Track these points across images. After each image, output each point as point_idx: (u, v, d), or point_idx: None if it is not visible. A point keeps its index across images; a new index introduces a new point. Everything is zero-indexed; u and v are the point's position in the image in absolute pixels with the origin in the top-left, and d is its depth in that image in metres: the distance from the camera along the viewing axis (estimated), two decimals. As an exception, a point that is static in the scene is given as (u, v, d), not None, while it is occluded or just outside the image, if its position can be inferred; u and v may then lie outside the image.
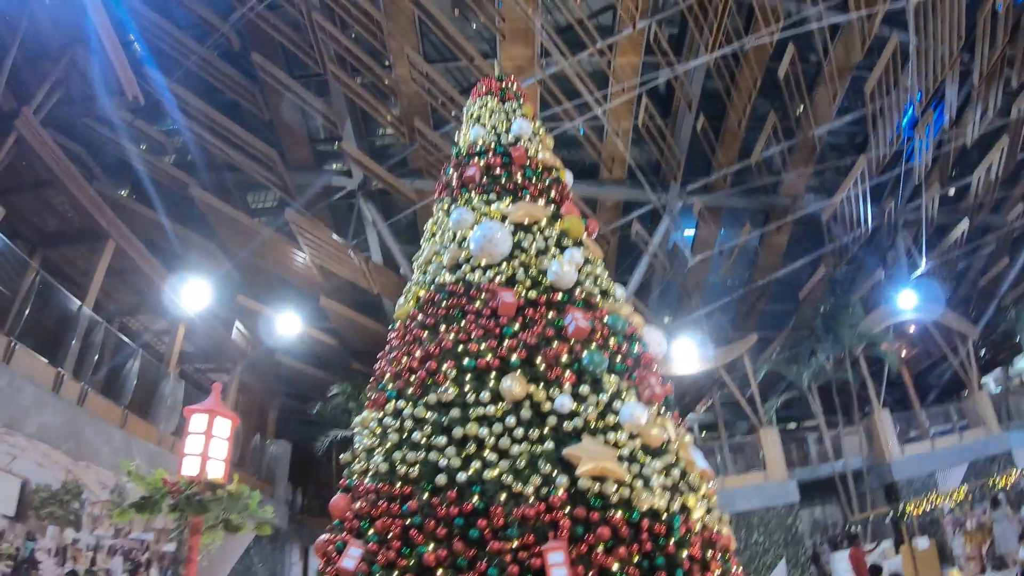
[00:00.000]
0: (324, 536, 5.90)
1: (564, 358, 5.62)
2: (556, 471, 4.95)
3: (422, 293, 6.39)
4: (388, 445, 5.34)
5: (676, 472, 5.58)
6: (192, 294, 11.88)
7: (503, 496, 4.78)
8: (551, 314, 5.93)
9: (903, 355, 20.65)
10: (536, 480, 4.87)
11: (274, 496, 16.43)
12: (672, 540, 5.01)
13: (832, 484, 18.17)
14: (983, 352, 22.56)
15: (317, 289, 17.34)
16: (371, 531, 4.91)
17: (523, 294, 5.99)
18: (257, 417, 17.27)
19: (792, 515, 16.83)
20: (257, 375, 16.71)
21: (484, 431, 5.09)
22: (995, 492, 14.20)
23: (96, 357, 10.54)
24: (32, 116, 9.56)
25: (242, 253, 15.32)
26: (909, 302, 19.26)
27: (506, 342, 5.63)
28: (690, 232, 21.77)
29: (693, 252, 20.10)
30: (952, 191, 21.86)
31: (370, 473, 5.34)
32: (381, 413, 5.68)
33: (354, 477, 5.57)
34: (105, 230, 10.91)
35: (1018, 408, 20.65)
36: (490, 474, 4.87)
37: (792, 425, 20.55)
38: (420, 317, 6.12)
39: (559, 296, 6.09)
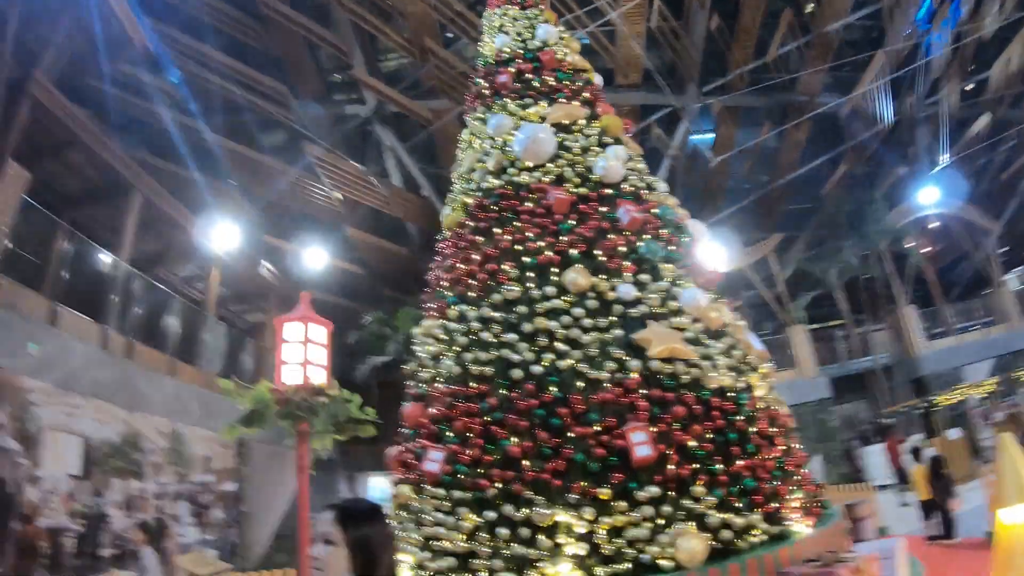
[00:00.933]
0: (396, 447, 6.10)
1: (621, 249, 5.64)
2: (628, 356, 5.04)
3: (469, 200, 6.35)
4: (457, 348, 5.43)
5: (737, 353, 5.68)
6: (222, 237, 11.91)
7: (580, 384, 4.88)
8: (603, 208, 5.91)
9: (926, 252, 20.52)
10: (610, 366, 4.96)
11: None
12: (741, 416, 5.14)
13: (861, 380, 18.44)
14: (1006, 248, 22.38)
15: (340, 221, 17.36)
16: (450, 433, 5.03)
17: (573, 191, 5.97)
18: None
19: (824, 411, 17.18)
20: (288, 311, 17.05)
21: (553, 323, 5.15)
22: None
23: (138, 310, 10.66)
24: (45, 79, 9.34)
25: (264, 193, 15.27)
26: (931, 197, 19.02)
27: (563, 237, 5.64)
28: (709, 135, 21.49)
29: (713, 153, 19.85)
30: (971, 85, 21.26)
31: (441, 378, 5.44)
32: (443, 320, 5.75)
33: (422, 386, 5.67)
34: (130, 183, 10.84)
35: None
36: (564, 364, 4.96)
37: (820, 324, 20.63)
38: (472, 223, 6.11)
39: (608, 191, 6.07)
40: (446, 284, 6.00)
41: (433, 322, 5.89)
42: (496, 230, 5.89)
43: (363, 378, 18.33)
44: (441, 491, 4.79)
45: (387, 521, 1.91)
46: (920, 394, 17.63)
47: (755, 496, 4.83)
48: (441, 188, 16.19)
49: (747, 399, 5.35)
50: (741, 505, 4.71)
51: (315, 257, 16.15)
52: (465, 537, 4.51)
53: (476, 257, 5.76)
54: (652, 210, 6.13)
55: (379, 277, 19.90)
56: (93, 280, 10.15)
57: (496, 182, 6.19)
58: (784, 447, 5.48)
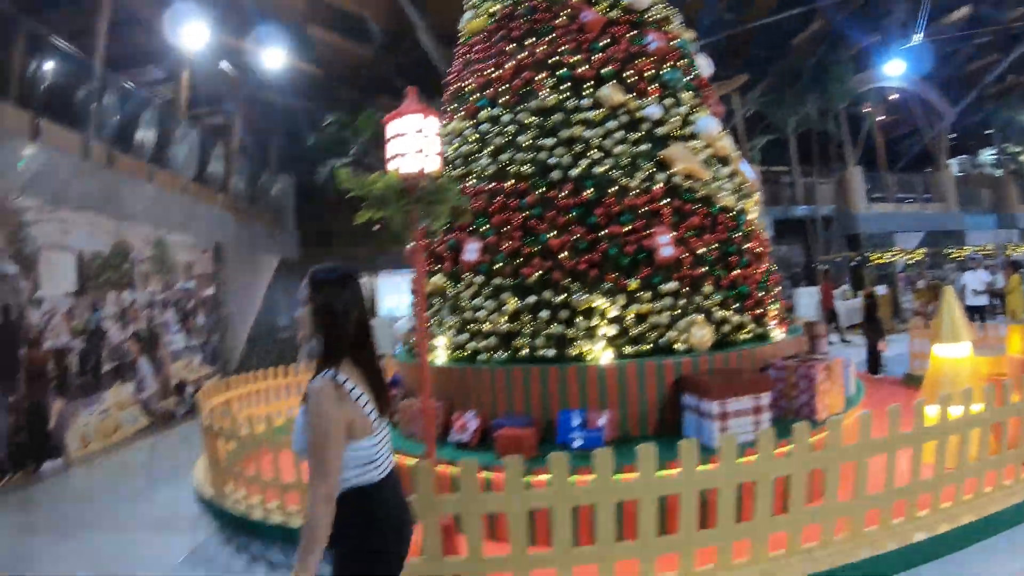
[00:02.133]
0: (411, 246, 6.50)
1: (648, 73, 5.87)
2: (654, 169, 5.47)
3: (496, 8, 6.28)
4: (491, 149, 5.69)
5: (737, 179, 6.22)
6: (191, 36, 11.09)
7: (613, 189, 5.30)
8: (631, 33, 6.03)
9: (880, 120, 21.36)
10: (640, 176, 5.39)
11: (283, 230, 17.07)
12: (739, 233, 5.79)
13: (801, 226, 19.75)
14: (953, 136, 23.49)
15: (298, 18, 16.34)
16: (487, 227, 5.42)
17: (604, 12, 6.02)
18: (260, 155, 17.36)
19: (763, 248, 18.56)
20: (254, 115, 16.43)
21: (588, 133, 5.46)
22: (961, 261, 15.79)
23: (114, 117, 10.07)
24: None
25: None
26: (896, 70, 19.44)
27: (596, 56, 5.78)
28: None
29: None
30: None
31: (475, 175, 5.73)
32: (474, 121, 5.95)
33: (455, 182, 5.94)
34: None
35: (975, 195, 22.25)
36: (600, 169, 5.34)
37: (769, 168, 21.55)
38: (502, 31, 6.11)
39: (636, 17, 6.16)
40: (473, 88, 6.11)
41: (461, 124, 6.06)
42: (528, 40, 5.94)
43: (322, 181, 18.47)
44: (480, 278, 5.29)
45: (356, 285, 2.07)
46: (853, 249, 19.14)
47: (747, 301, 5.60)
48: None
49: (744, 219, 6.00)
50: (736, 306, 5.46)
51: (274, 57, 15.25)
52: (507, 319, 5.07)
53: (510, 65, 5.84)
54: (673, 41, 6.30)
55: (339, 79, 19.29)
56: (69, 89, 9.41)
57: (528, -8, 6.12)
58: (767, 265, 6.23)
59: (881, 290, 15.73)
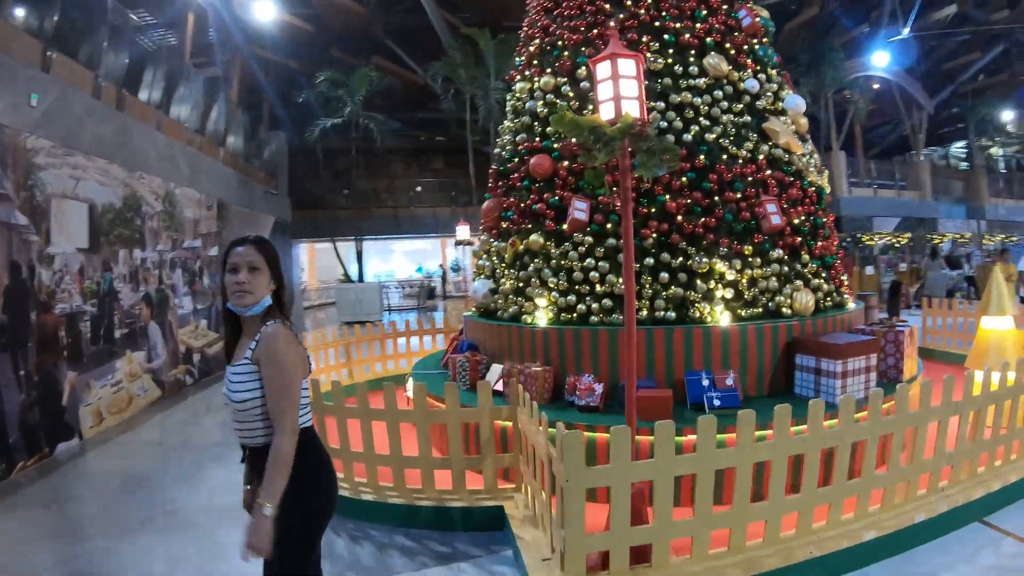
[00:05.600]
0: (490, 202, 6.41)
1: (746, 47, 5.94)
2: (758, 140, 5.57)
3: (587, -36, 6.18)
4: (591, 108, 5.63)
5: (816, 157, 6.40)
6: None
7: (724, 156, 5.37)
8: (726, 6, 6.08)
9: (863, 107, 22.16)
10: (748, 145, 5.47)
11: (278, 189, 16.45)
12: (822, 207, 5.99)
13: None
14: (926, 127, 24.58)
15: None
16: (598, 187, 5.39)
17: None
18: (255, 112, 16.64)
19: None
20: (250, 70, 15.73)
21: (697, 100, 5.48)
22: (933, 246, 16.74)
23: (124, 58, 9.40)
24: None
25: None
26: (882, 61, 20.17)
27: (699, 24, 5.80)
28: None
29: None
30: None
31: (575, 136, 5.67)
32: (565, 79, 5.89)
33: (551, 140, 5.87)
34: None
35: (948, 186, 23.43)
36: (710, 136, 5.39)
37: None
38: (598, -11, 6.02)
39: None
40: (565, 44, 6.03)
41: (555, 79, 5.97)
42: (629, 1, 5.89)
43: (312, 141, 17.97)
44: (590, 239, 5.29)
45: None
46: (836, 231, 19.94)
47: (831, 270, 5.83)
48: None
49: (825, 194, 6.21)
50: (824, 276, 5.67)
51: (266, 9, 14.56)
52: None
53: (612, 23, 5.79)
54: (758, 18, 6.36)
55: (331, 36, 18.71)
56: (79, 22, 8.72)
57: (626, -49, 6.05)
58: (837, 239, 6.47)
59: (870, 270, 16.45)
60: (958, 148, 28.46)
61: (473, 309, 6.62)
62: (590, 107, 5.68)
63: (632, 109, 3.23)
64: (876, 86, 21.49)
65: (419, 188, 27.32)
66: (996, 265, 6.24)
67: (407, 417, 4.00)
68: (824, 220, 5.99)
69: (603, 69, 3.29)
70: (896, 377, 5.22)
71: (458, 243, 12.79)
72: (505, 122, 6.81)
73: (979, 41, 20.96)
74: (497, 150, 6.86)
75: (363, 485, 4.15)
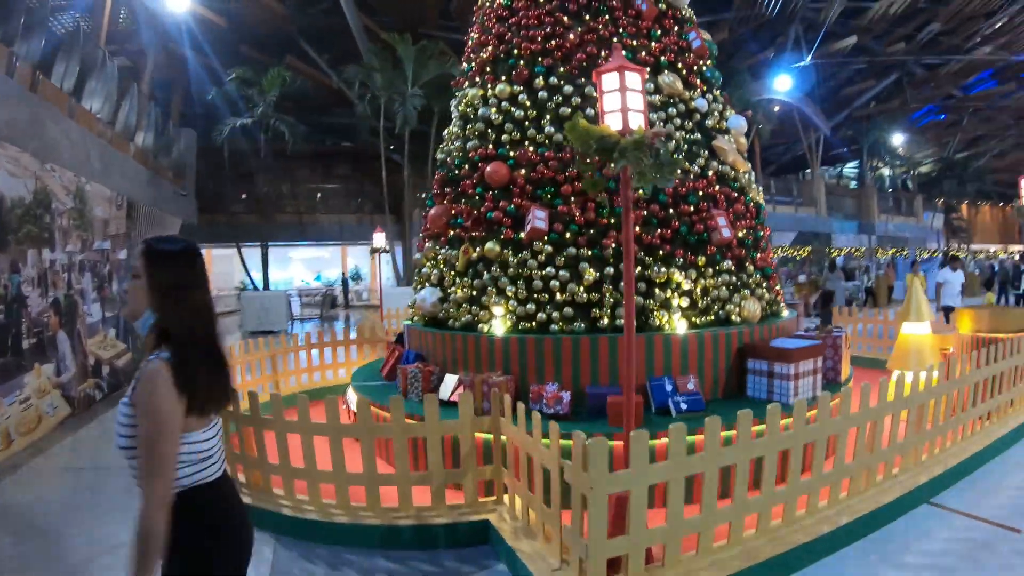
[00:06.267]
0: (437, 208, 6.31)
1: (695, 68, 6.22)
2: (708, 156, 5.84)
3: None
4: (551, 118, 5.70)
5: (753, 174, 6.79)
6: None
7: (678, 172, 5.56)
8: (677, 28, 6.35)
9: (762, 127, 23.71)
10: (700, 161, 5.71)
11: (185, 190, 15.37)
12: (759, 221, 6.36)
13: None
14: (822, 148, 26.65)
15: None
16: (555, 197, 5.45)
17: (655, 3, 6.26)
18: (164, 106, 15.52)
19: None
20: (160, 62, 14.72)
21: (653, 116, 5.66)
22: (833, 259, 18.15)
23: (39, 38, 8.53)
24: None
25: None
26: (785, 85, 21.70)
27: (654, 43, 6.00)
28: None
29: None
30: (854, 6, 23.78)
31: (534, 144, 5.71)
32: (521, 88, 5.93)
33: (506, 148, 5.86)
34: None
35: (840, 202, 25.47)
36: (665, 149, 5.57)
37: None
38: (556, 1, 6.09)
39: (681, 13, 6.48)
40: (521, 54, 6.05)
41: (511, 88, 5.97)
42: (586, 16, 6.01)
43: (220, 141, 17.09)
44: (549, 248, 5.32)
45: (199, 261, 1.84)
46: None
47: (770, 280, 6.18)
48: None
49: (763, 209, 6.59)
50: (766, 285, 6.01)
51: (177, 1, 13.66)
52: (584, 289, 5.17)
53: (572, 36, 5.88)
54: (706, 40, 6.69)
55: (244, 33, 17.96)
56: None
57: (584, -30, 6.18)
58: (772, 252, 6.88)
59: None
60: (850, 168, 31.16)
61: (415, 318, 6.46)
62: (547, 116, 5.75)
63: (639, 121, 3.29)
64: (777, 108, 23.10)
65: (319, 195, 26.66)
66: (911, 277, 6.87)
67: (382, 432, 3.85)
68: (763, 233, 6.36)
69: (610, 80, 3.33)
70: (835, 378, 5.62)
71: (373, 251, 12.53)
72: (452, 128, 6.74)
73: (875, 70, 23.04)
74: (442, 156, 6.77)
75: (334, 507, 3.94)
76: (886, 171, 30.26)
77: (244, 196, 24.10)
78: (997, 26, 21.12)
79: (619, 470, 2.94)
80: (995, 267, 19.99)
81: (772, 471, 3.47)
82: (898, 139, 25.22)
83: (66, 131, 8.72)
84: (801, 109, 22.54)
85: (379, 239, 12.71)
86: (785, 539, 3.44)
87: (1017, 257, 23.91)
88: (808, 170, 26.36)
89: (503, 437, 3.91)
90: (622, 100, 3.25)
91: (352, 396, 6.04)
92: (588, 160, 3.30)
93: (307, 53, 21.67)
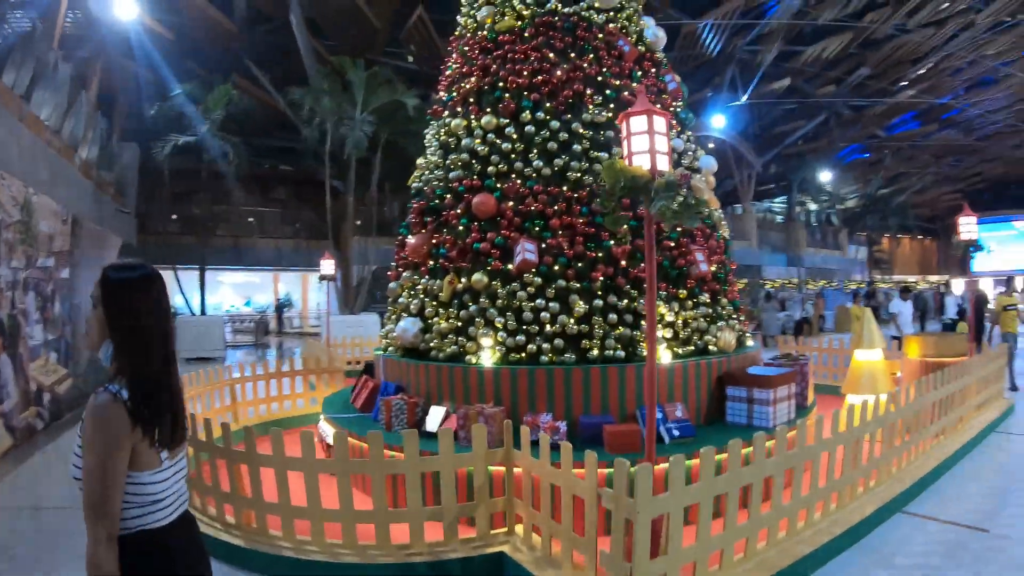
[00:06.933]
0: (418, 238, 6.32)
1: (671, 110, 6.58)
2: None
3: (527, 13, 6.46)
4: (539, 152, 5.87)
5: (721, 211, 7.21)
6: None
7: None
8: (653, 70, 6.71)
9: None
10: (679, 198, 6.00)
11: (126, 208, 14.71)
12: (728, 256, 6.74)
13: None
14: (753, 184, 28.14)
15: None
16: (544, 230, 5.60)
17: (635, 44, 6.60)
18: (108, 119, 14.80)
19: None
20: (107, 72, 14.09)
21: (636, 154, 5.93)
22: (768, 291, 19.13)
23: None
24: None
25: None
26: (720, 123, 22.91)
27: (636, 84, 6.31)
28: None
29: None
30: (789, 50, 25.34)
31: (521, 176, 5.85)
32: (508, 120, 6.07)
33: (493, 180, 5.98)
34: None
35: (768, 236, 26.94)
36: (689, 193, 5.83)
37: None
38: (541, 38, 6.31)
39: (657, 56, 6.86)
40: (506, 86, 6.19)
41: (496, 120, 6.07)
42: (572, 53, 6.25)
43: (160, 158, 16.53)
44: (538, 280, 5.44)
45: (160, 288, 1.78)
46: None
47: (738, 312, 6.52)
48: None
49: (731, 244, 6.98)
50: (735, 317, 6.34)
51: (126, 8, 13.13)
52: (574, 321, 5.31)
53: (559, 72, 6.09)
54: (679, 98, 7.08)
55: (191, 48, 17.47)
56: None
57: (567, 9, 6.44)
58: (737, 285, 7.27)
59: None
60: (778, 203, 33.09)
61: (390, 348, 6.41)
62: (535, 150, 5.91)
63: (664, 163, 3.47)
64: (712, 145, 24.33)
65: (257, 219, 26.02)
66: (857, 308, 7.41)
67: (394, 468, 3.83)
68: (731, 268, 6.72)
69: (638, 123, 3.49)
70: (803, 403, 5.95)
71: (322, 278, 12.31)
72: (428, 156, 6.80)
73: (806, 111, 24.66)
74: (418, 184, 6.80)
75: (340, 546, 3.86)
76: (812, 206, 32.39)
77: (175, 218, 23.22)
78: (922, 71, 23.10)
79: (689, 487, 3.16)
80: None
81: (780, 488, 3.76)
82: (825, 176, 27.08)
83: (17, 136, 8.26)
84: (734, 145, 23.83)
85: (327, 266, 12.47)
86: (791, 550, 3.73)
87: (942, 288, 25.93)
88: (739, 205, 27.77)
89: (516, 468, 3.97)
90: (651, 142, 3.43)
91: (327, 428, 5.93)
92: (612, 197, 3.46)
93: (253, 73, 21.19)
